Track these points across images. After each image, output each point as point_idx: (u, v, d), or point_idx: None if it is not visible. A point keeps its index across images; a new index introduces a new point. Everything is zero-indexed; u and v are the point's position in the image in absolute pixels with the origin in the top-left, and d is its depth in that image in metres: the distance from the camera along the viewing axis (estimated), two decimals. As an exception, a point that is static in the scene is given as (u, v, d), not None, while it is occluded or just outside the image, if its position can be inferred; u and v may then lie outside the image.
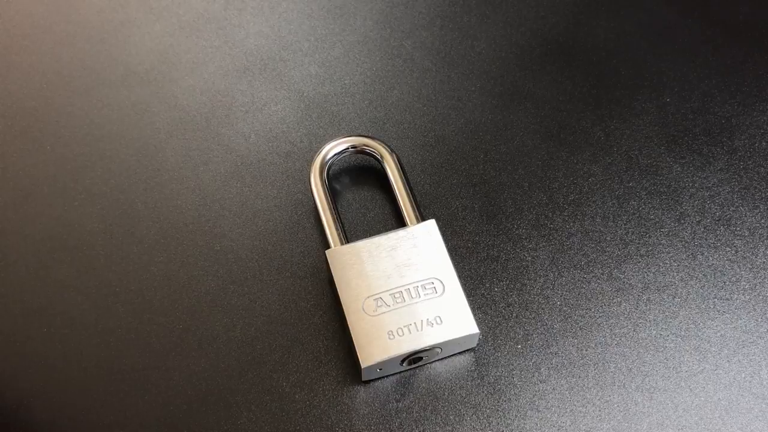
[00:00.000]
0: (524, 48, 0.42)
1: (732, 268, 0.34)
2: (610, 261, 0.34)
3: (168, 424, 0.30)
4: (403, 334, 0.30)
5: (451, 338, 0.30)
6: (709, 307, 0.33)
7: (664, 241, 0.35)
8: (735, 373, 0.31)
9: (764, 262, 0.34)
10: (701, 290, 0.33)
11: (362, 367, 0.29)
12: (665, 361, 0.31)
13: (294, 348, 0.32)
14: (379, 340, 0.29)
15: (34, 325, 0.32)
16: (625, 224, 0.35)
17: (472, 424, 0.30)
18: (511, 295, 0.33)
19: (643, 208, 0.36)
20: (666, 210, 0.36)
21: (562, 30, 0.43)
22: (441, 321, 0.30)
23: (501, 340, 0.32)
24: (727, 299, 0.33)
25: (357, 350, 0.29)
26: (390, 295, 0.30)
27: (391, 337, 0.30)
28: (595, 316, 0.32)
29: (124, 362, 0.31)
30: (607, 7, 0.44)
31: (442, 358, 0.31)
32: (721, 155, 0.38)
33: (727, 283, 0.33)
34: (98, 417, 0.30)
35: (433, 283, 0.31)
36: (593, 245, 0.35)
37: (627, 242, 0.35)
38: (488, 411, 0.30)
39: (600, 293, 0.33)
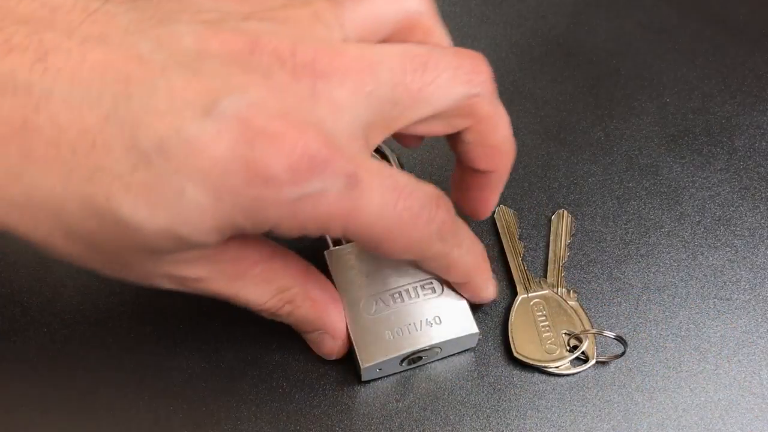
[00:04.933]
0: (524, 48, 0.42)
1: (732, 268, 0.34)
2: (610, 261, 0.34)
3: (168, 424, 0.30)
4: (403, 334, 0.30)
5: (450, 338, 0.30)
6: (709, 307, 0.33)
7: (664, 241, 0.35)
8: (735, 373, 0.31)
9: (764, 262, 0.34)
10: (701, 290, 0.33)
11: (362, 367, 0.29)
12: (665, 360, 0.31)
13: (294, 348, 0.32)
14: (378, 340, 0.29)
15: (34, 325, 0.32)
16: (625, 224, 0.35)
17: (472, 424, 0.30)
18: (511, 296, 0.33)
19: (643, 208, 0.36)
20: (666, 210, 0.36)
21: (562, 30, 0.43)
22: (440, 321, 0.30)
23: (501, 339, 0.32)
24: (727, 299, 0.33)
25: (356, 351, 0.29)
26: (389, 295, 0.30)
27: (391, 337, 0.29)
28: (594, 316, 0.32)
29: (124, 362, 0.31)
30: (607, 8, 0.44)
31: (441, 358, 0.31)
32: (721, 155, 0.38)
33: (727, 283, 0.33)
34: (98, 417, 0.30)
35: (432, 283, 0.31)
36: (593, 245, 0.35)
37: (627, 242, 0.35)
38: (488, 411, 0.30)
39: (600, 293, 0.33)
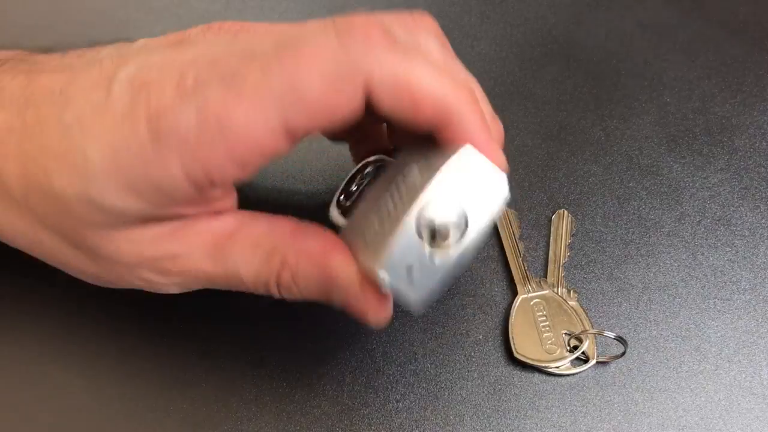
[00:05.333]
0: (524, 48, 0.42)
1: (732, 268, 0.34)
2: (611, 261, 0.34)
3: (168, 424, 0.30)
4: (394, 210, 0.23)
5: (447, 175, 0.23)
6: (710, 308, 0.33)
7: (664, 241, 0.35)
8: (735, 374, 0.31)
9: (765, 262, 0.34)
10: (701, 290, 0.33)
11: (379, 277, 0.23)
12: (665, 361, 0.31)
13: (294, 348, 0.32)
14: (373, 237, 0.24)
15: (34, 325, 0.32)
16: (625, 224, 0.35)
17: (472, 424, 0.30)
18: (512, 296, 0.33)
19: (643, 208, 0.36)
20: (666, 210, 0.36)
21: (562, 30, 0.43)
22: (434, 170, 0.23)
23: (501, 340, 0.32)
24: (728, 299, 0.33)
25: (366, 266, 0.24)
26: (383, 204, 0.25)
27: (381, 224, 0.23)
28: (595, 316, 0.32)
29: (123, 363, 0.31)
30: (607, 7, 0.44)
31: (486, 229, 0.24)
32: (721, 155, 0.38)
33: (728, 283, 0.33)
34: (97, 417, 0.30)
35: (416, 161, 0.24)
36: (593, 245, 0.35)
37: (627, 242, 0.35)
38: (488, 411, 0.30)
39: (600, 293, 0.33)
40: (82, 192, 0.23)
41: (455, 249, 0.23)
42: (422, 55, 0.24)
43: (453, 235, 0.23)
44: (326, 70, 0.22)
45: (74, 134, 0.23)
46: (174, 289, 0.27)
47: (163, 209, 0.24)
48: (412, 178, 0.24)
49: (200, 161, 0.22)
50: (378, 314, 0.25)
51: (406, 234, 0.23)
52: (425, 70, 0.23)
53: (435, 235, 0.23)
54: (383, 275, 0.23)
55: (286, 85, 0.22)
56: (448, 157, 0.23)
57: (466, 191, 0.23)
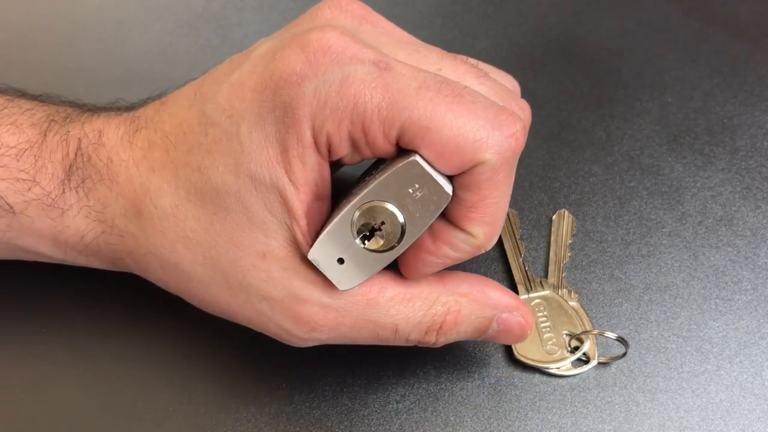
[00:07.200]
0: (525, 47, 0.42)
1: (734, 269, 0.34)
2: (612, 261, 0.34)
3: (168, 424, 0.30)
4: (340, 208, 0.25)
5: (389, 180, 0.24)
6: (711, 308, 0.33)
7: (665, 241, 0.35)
8: (737, 374, 0.31)
9: (766, 262, 0.34)
10: (703, 291, 0.33)
11: (310, 256, 0.25)
12: (667, 361, 0.31)
13: (294, 349, 0.32)
14: (321, 231, 0.25)
15: (33, 325, 0.32)
16: (626, 224, 0.35)
17: (473, 425, 0.30)
18: (512, 296, 0.33)
19: (644, 208, 0.36)
20: (667, 210, 0.36)
21: (563, 29, 0.43)
22: (383, 174, 0.24)
23: (502, 340, 0.32)
24: (729, 300, 0.33)
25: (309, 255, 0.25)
26: (339, 201, 0.26)
27: (332, 217, 0.25)
28: (596, 317, 0.32)
29: (123, 363, 0.31)
30: (608, 7, 0.44)
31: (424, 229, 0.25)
32: (722, 155, 0.37)
33: (729, 283, 0.33)
34: (96, 418, 0.30)
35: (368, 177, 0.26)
36: (594, 245, 0.34)
37: (628, 242, 0.34)
38: (489, 412, 0.30)
39: (601, 294, 0.33)
40: (241, 171, 0.24)
41: (388, 249, 0.25)
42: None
43: (386, 237, 0.25)
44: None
45: (220, 122, 0.25)
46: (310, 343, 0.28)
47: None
48: (365, 179, 0.26)
49: (332, 128, 0.24)
50: (531, 326, 0.28)
51: (338, 230, 0.25)
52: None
53: (368, 235, 0.25)
54: (313, 260, 0.25)
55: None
56: (397, 163, 0.24)
57: (405, 197, 0.24)
